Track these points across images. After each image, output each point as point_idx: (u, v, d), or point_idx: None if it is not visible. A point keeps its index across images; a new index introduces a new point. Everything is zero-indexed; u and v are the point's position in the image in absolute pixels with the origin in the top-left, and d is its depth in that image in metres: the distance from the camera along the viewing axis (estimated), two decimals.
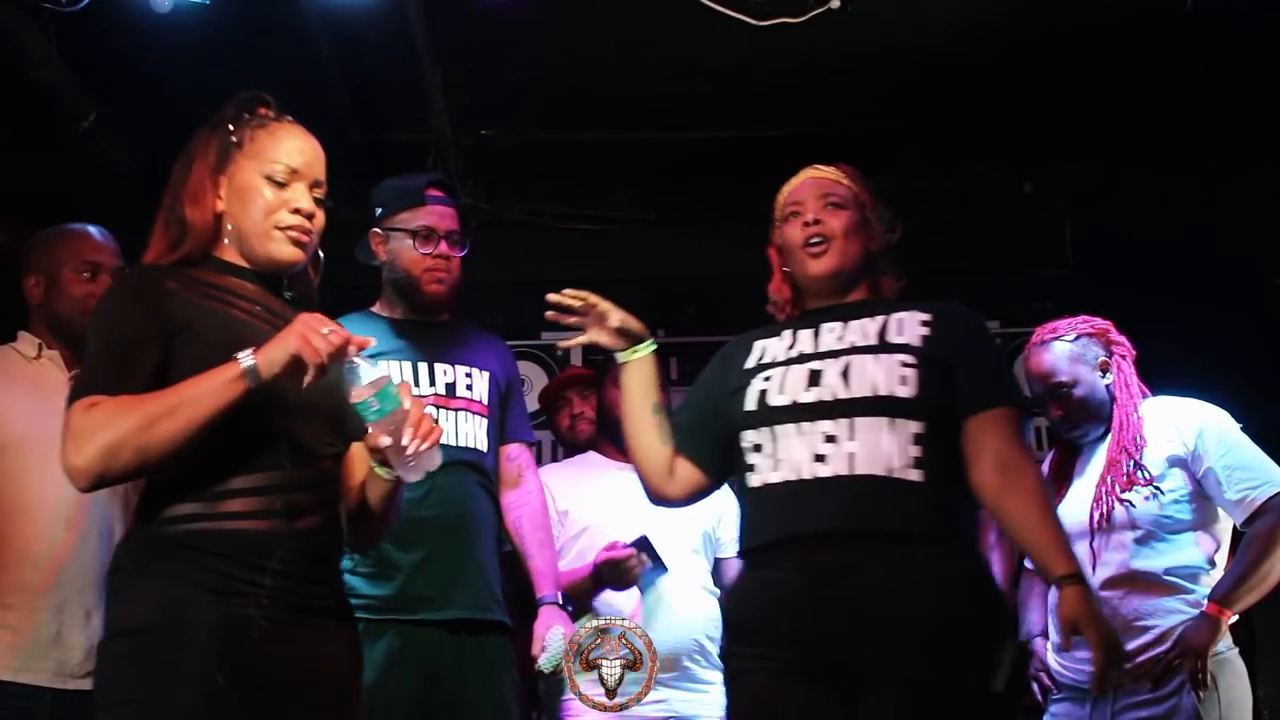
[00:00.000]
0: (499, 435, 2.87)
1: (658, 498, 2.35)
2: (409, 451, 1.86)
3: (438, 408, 2.75)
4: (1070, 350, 2.99)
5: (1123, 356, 3.01)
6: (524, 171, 4.58)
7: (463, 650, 2.65)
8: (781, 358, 2.23)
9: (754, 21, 3.32)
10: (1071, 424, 3.01)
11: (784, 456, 2.12)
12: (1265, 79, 3.65)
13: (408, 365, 2.77)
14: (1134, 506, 2.84)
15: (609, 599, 3.04)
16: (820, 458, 2.08)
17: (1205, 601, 2.78)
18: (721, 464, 2.28)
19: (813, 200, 2.30)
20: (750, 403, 2.19)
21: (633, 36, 3.70)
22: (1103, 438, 2.98)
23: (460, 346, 2.87)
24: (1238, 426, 2.87)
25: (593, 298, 2.27)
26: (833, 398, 2.11)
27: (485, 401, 2.83)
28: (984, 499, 2.13)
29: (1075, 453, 3.07)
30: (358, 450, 2.03)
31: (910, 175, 4.39)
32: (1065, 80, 3.88)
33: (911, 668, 1.97)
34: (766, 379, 2.20)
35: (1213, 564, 2.87)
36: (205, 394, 1.77)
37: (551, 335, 4.70)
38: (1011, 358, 4.66)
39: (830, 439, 2.09)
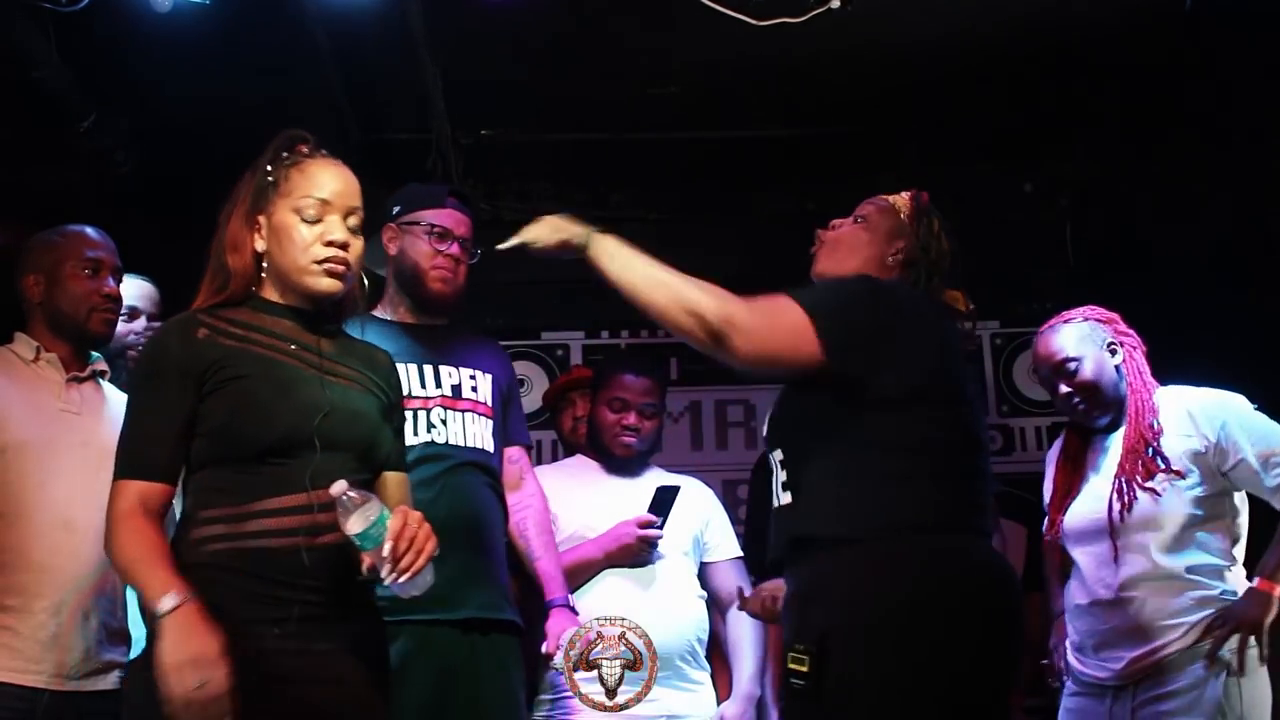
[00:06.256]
0: (502, 437, 2.88)
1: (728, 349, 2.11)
2: (400, 579, 1.88)
3: (445, 408, 2.76)
4: (1078, 331, 2.95)
5: (1133, 347, 2.96)
6: (524, 171, 4.58)
7: (474, 650, 2.65)
8: None
9: (754, 21, 3.31)
10: (1082, 400, 2.91)
11: None
12: (1265, 78, 3.65)
13: (413, 367, 2.76)
14: (1158, 497, 2.77)
15: (607, 599, 3.05)
16: None
17: (1230, 596, 2.73)
18: None
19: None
20: None
21: (632, 36, 3.70)
22: (1114, 427, 2.92)
23: (462, 349, 2.88)
24: (1254, 407, 2.82)
25: (528, 236, 2.28)
26: None
27: (489, 403, 2.85)
28: None
29: (1086, 442, 2.99)
30: (391, 479, 2.11)
31: (910, 175, 4.38)
32: (1065, 80, 3.88)
33: None
34: None
35: (1233, 559, 2.81)
36: (138, 583, 1.90)
37: (551, 335, 4.71)
38: (1011, 357, 4.68)
39: None
